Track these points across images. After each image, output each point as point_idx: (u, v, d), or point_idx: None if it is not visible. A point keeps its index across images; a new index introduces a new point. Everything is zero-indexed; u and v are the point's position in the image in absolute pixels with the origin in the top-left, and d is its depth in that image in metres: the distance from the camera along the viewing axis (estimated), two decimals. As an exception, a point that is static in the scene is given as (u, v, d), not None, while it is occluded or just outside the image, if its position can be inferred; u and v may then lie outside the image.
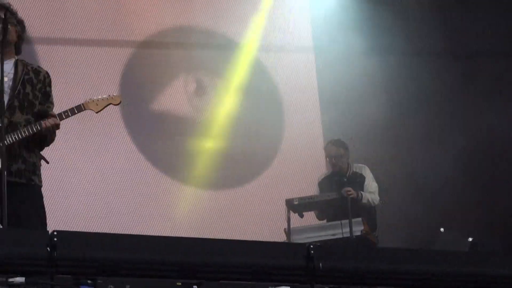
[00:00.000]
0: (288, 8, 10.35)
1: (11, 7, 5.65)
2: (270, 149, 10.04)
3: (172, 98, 9.89)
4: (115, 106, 5.86)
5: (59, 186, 8.94)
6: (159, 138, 9.67)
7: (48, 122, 5.45)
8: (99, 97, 5.74)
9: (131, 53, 9.80)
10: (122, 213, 9.25)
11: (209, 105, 9.99)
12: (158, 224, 9.14)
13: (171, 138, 9.70)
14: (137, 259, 4.23)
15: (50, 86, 5.72)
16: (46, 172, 6.43)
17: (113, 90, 8.55)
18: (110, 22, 9.71)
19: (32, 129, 5.44)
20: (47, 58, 9.24)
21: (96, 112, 5.72)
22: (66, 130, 6.96)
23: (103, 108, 5.74)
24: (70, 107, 5.60)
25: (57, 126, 5.50)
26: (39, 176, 5.60)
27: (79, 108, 5.62)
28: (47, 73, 5.74)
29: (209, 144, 9.78)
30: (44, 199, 5.61)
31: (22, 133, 5.42)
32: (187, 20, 10.01)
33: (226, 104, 9.96)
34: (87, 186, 9.24)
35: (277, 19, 10.26)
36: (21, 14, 5.80)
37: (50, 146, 5.73)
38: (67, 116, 5.56)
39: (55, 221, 7.81)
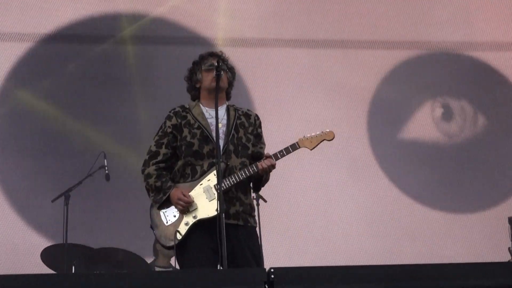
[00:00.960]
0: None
1: (223, 54, 5.83)
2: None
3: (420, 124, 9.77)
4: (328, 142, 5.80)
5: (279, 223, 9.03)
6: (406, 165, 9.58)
7: (264, 163, 5.54)
8: (312, 134, 5.74)
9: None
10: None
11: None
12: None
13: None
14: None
15: (260, 127, 5.86)
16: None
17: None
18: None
19: (249, 171, 5.54)
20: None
21: (311, 149, 5.73)
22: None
23: (317, 144, 5.73)
24: (284, 147, 5.65)
25: (273, 167, 5.59)
26: (254, 217, 5.70)
27: (294, 147, 5.66)
28: (256, 115, 5.88)
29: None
30: (262, 237, 5.67)
31: (240, 176, 5.52)
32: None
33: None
34: (319, 218, 9.25)
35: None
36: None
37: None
38: (282, 156, 5.62)
39: (277, 257, 7.95)
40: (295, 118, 9.41)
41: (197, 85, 5.76)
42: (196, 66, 5.78)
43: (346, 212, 9.36)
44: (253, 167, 5.54)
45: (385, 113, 9.75)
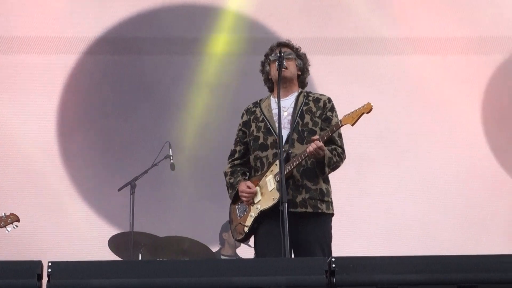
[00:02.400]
0: None
1: (291, 42, 5.87)
2: None
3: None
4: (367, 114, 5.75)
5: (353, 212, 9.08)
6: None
7: (311, 146, 5.47)
8: (352, 110, 5.67)
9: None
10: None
11: None
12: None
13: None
14: (417, 280, 4.18)
15: (332, 110, 5.78)
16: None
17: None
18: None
19: (301, 156, 5.52)
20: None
21: (352, 125, 5.64)
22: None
23: (358, 119, 5.63)
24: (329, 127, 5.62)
25: (320, 148, 5.48)
26: (327, 203, 5.62)
27: (337, 125, 5.62)
28: (328, 99, 5.82)
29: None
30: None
31: (294, 162, 5.51)
32: None
33: None
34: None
35: None
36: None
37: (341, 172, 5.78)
38: (328, 136, 5.56)
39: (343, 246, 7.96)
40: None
41: (269, 77, 5.81)
42: (266, 58, 5.83)
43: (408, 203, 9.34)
44: (304, 152, 5.50)
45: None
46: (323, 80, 9.25)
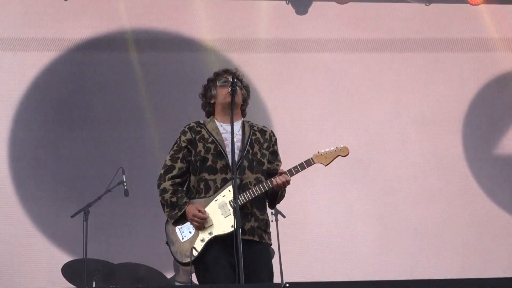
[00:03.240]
0: None
1: (238, 71, 5.90)
2: None
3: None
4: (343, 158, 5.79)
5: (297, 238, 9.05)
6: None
7: (279, 179, 5.53)
8: (327, 149, 5.72)
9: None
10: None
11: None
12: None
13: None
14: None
15: (276, 144, 5.86)
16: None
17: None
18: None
19: (263, 187, 5.55)
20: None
21: (325, 165, 5.71)
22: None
23: (332, 160, 5.71)
24: (299, 163, 5.62)
25: (287, 183, 5.58)
26: (269, 234, 5.68)
27: (308, 163, 5.64)
28: (272, 132, 5.90)
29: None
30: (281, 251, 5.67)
31: (254, 192, 5.52)
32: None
33: None
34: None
35: None
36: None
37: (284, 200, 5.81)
38: (297, 172, 5.60)
39: (295, 272, 7.95)
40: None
41: (212, 101, 5.80)
42: (211, 82, 5.84)
43: (365, 227, 9.36)
44: (268, 183, 5.53)
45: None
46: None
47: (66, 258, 8.44)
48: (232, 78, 5.71)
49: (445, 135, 9.69)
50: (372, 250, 9.21)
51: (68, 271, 7.95)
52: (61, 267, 7.99)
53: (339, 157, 5.73)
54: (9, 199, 9.25)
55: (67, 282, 7.94)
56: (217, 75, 5.85)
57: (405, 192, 9.48)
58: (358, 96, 9.74)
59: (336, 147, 5.74)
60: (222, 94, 5.73)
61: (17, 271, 9.00)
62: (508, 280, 4.39)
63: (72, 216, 8.19)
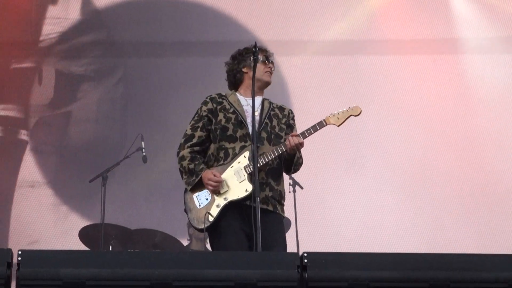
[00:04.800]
0: None
1: (267, 48, 5.91)
2: None
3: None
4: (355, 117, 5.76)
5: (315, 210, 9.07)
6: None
7: (292, 140, 5.51)
8: (340, 110, 5.70)
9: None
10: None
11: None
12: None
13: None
14: (388, 277, 4.19)
15: (293, 120, 5.88)
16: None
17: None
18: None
19: (277, 151, 5.54)
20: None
21: (338, 126, 5.67)
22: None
23: (344, 121, 5.67)
24: (311, 125, 5.61)
25: (301, 145, 5.54)
26: (283, 206, 5.68)
27: (321, 124, 5.61)
28: (290, 110, 5.92)
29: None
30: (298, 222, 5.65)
31: (268, 156, 5.52)
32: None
33: None
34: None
35: None
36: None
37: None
38: (310, 134, 5.57)
39: (312, 243, 7.97)
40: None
41: (244, 70, 5.79)
42: (246, 55, 5.80)
43: (386, 199, 9.34)
44: (281, 147, 5.53)
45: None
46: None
47: (83, 223, 8.49)
48: (254, 53, 5.68)
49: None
50: (392, 223, 9.19)
51: (85, 235, 8.00)
52: (78, 231, 8.04)
53: (352, 117, 5.69)
54: (28, 163, 9.32)
55: (84, 245, 8.00)
56: (259, 49, 5.75)
57: (431, 165, 9.43)
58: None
59: (349, 107, 5.71)
60: (261, 70, 5.73)
61: (35, 233, 9.08)
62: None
63: (90, 181, 8.23)
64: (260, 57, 5.76)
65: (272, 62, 5.79)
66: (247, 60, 5.78)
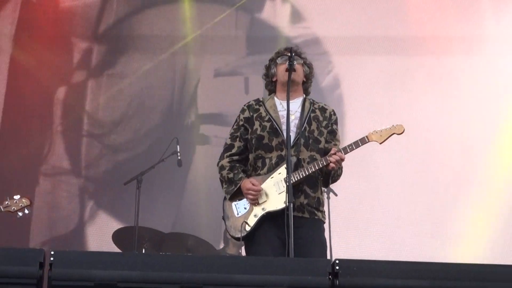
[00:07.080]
0: None
1: (299, 49, 5.88)
2: None
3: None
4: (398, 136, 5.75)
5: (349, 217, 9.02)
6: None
7: (333, 157, 5.49)
8: (383, 128, 5.68)
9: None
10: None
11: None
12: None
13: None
14: (419, 286, 4.16)
15: (336, 124, 5.80)
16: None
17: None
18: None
19: (318, 165, 5.51)
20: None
21: (380, 143, 5.67)
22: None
23: (387, 138, 5.66)
24: (354, 141, 5.58)
25: (342, 160, 5.52)
26: (322, 212, 5.65)
27: (363, 141, 5.58)
28: (333, 110, 5.84)
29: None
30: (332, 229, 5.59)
31: (308, 169, 5.50)
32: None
33: None
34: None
35: None
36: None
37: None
38: (351, 150, 5.54)
39: (345, 250, 7.92)
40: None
41: (274, 79, 5.79)
42: (272, 61, 5.83)
43: (419, 209, 9.27)
44: (322, 161, 5.50)
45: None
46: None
47: (117, 226, 8.53)
48: (290, 54, 5.68)
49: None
50: (424, 233, 9.12)
51: (119, 237, 8.03)
52: (112, 233, 8.08)
53: (394, 135, 5.68)
54: (63, 165, 9.39)
55: (117, 248, 8.03)
56: (278, 53, 5.82)
57: (467, 179, 9.35)
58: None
59: (392, 125, 5.69)
60: (280, 71, 5.72)
61: (69, 234, 9.14)
62: None
63: (125, 184, 8.26)
64: (278, 60, 5.76)
65: (288, 59, 5.64)
66: (272, 69, 5.80)
